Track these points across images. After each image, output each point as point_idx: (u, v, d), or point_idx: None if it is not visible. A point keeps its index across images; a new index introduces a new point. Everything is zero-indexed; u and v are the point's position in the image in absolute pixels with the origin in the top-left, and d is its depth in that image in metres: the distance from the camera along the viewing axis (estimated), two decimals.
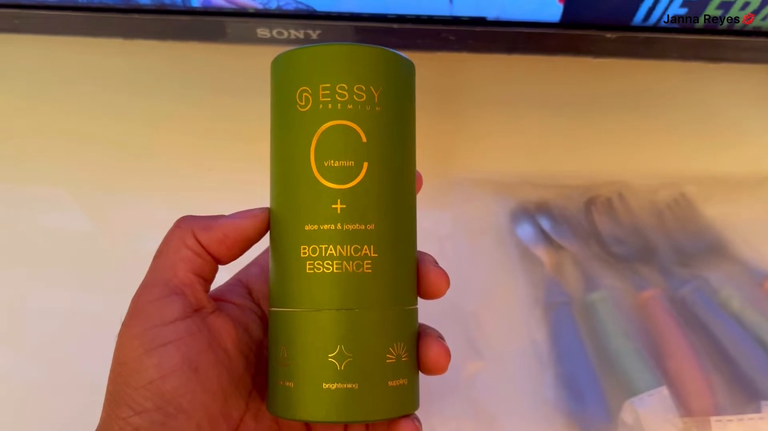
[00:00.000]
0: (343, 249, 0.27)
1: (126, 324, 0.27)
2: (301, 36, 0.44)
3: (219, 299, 0.30)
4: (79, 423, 0.27)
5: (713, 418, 0.40)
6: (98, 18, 0.44)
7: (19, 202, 0.52)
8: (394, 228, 0.28)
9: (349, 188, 0.27)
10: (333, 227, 0.27)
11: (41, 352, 0.46)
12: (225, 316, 0.29)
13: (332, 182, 0.27)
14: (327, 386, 0.26)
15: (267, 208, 0.29)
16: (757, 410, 0.40)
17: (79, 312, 0.47)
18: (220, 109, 0.54)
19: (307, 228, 0.27)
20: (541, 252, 0.48)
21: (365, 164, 0.27)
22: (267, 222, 0.29)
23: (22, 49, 0.56)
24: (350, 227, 0.27)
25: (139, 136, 0.54)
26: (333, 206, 0.27)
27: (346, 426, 0.30)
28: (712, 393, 0.42)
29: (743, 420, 0.40)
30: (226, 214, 0.29)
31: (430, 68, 0.55)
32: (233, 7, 0.43)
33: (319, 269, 0.27)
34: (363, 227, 0.27)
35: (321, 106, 0.27)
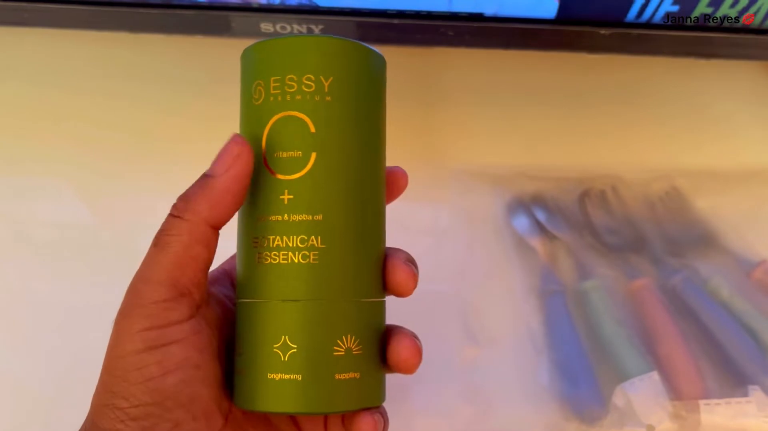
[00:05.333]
0: (289, 240, 0.26)
1: (126, 317, 0.26)
2: (304, 30, 0.45)
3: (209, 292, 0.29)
4: (78, 418, 0.27)
5: (702, 402, 0.41)
6: (104, 12, 0.45)
7: (22, 193, 0.52)
8: (346, 219, 0.27)
9: (296, 179, 0.27)
10: (280, 218, 0.27)
11: (40, 344, 0.46)
12: (218, 309, 0.29)
13: (280, 173, 0.27)
14: (272, 376, 0.26)
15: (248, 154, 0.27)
16: (745, 394, 0.41)
17: (80, 303, 0.47)
18: (223, 102, 0.54)
19: (258, 219, 0.27)
20: (537, 243, 0.49)
21: (313, 154, 0.27)
22: (250, 171, 0.27)
23: (29, 42, 0.56)
24: (296, 218, 0.26)
25: (144, 129, 0.54)
26: (281, 197, 0.27)
27: (325, 419, 0.30)
28: (701, 377, 0.43)
29: (731, 404, 0.41)
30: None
31: (428, 63, 0.57)
32: (238, 1, 0.44)
33: (266, 260, 0.27)
34: (310, 218, 0.26)
35: (272, 99, 0.27)
